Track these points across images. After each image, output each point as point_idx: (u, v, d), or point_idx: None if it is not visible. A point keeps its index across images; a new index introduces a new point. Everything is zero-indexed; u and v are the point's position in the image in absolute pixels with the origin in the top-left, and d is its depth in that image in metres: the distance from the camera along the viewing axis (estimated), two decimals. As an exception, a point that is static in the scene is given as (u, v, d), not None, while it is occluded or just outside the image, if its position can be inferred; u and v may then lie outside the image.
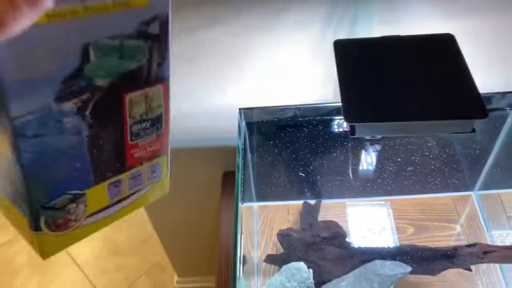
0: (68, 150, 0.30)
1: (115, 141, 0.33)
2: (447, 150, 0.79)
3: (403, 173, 0.82)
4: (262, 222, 0.86)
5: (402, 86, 0.51)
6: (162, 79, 0.32)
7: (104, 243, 1.63)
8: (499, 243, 0.80)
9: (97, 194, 0.33)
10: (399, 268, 0.69)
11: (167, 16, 0.30)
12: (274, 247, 0.82)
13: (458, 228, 0.83)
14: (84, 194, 0.32)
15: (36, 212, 0.30)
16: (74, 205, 0.32)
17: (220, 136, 0.87)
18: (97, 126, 0.30)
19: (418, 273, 0.69)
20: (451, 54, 0.53)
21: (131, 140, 0.33)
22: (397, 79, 0.52)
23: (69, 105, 0.28)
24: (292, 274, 0.73)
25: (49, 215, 0.31)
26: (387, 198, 0.86)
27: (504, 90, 0.71)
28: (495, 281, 0.76)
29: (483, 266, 0.78)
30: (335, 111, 0.73)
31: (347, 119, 0.48)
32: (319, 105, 0.72)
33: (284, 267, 0.74)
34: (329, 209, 0.86)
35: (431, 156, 0.79)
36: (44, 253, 0.33)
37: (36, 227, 0.31)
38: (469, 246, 0.64)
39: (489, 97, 0.69)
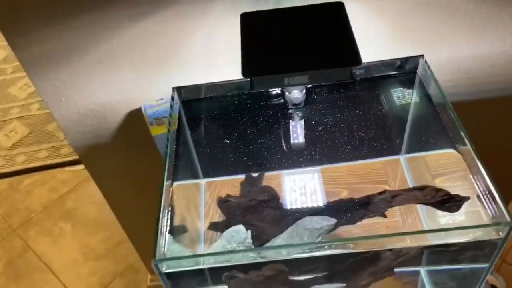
0: None
1: None
2: (372, 117, 0.88)
3: (334, 141, 0.90)
4: (209, 196, 0.93)
5: (292, 46, 0.59)
6: None
7: (78, 248, 1.67)
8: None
9: None
10: (325, 221, 0.77)
11: None
12: (220, 218, 0.89)
13: (387, 188, 0.91)
14: None
15: None
16: None
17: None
18: None
19: (341, 224, 0.77)
20: (338, 18, 0.62)
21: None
22: (288, 40, 0.60)
23: None
24: (232, 237, 0.80)
25: None
26: (323, 167, 0.94)
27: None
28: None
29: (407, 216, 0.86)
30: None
31: (244, 73, 0.56)
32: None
33: (225, 232, 0.81)
34: (270, 181, 0.93)
35: (356, 121, 0.87)
36: None
37: None
38: (380, 193, 0.73)
39: (393, 63, 0.78)
